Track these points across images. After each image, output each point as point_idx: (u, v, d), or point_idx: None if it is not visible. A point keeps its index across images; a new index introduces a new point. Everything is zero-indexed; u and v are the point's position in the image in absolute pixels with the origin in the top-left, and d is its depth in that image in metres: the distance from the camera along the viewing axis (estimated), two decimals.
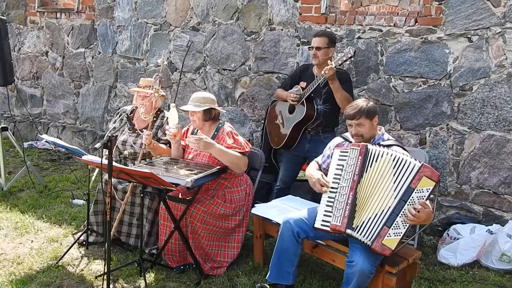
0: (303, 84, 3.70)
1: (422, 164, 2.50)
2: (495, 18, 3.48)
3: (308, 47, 3.96)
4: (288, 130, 3.70)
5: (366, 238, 2.50)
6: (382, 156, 2.57)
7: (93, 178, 3.42)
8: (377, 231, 2.49)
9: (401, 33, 3.86)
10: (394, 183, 2.52)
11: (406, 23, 3.82)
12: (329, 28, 4.15)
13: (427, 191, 2.47)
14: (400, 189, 2.50)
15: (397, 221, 2.48)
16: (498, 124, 3.58)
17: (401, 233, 2.47)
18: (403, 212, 2.48)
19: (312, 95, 3.59)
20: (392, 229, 2.48)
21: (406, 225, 2.47)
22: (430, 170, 2.49)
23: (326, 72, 3.33)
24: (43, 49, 6.19)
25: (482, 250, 3.40)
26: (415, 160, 2.54)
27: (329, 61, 3.40)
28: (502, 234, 3.37)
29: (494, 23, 3.49)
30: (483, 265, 3.41)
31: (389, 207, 2.50)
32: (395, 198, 2.50)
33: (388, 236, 2.47)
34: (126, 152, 3.56)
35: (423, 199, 2.47)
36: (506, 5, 3.43)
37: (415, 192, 2.48)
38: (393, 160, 2.55)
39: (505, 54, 3.49)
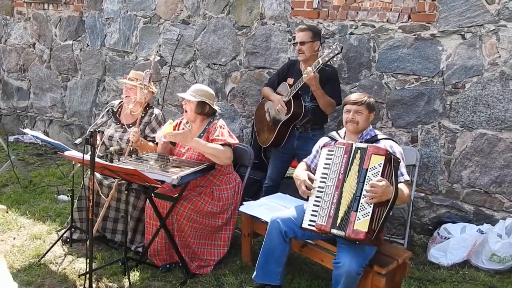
0: (290, 80, 3.62)
1: (368, 145, 2.55)
2: (489, 16, 3.43)
3: (293, 43, 3.89)
4: (276, 128, 3.62)
5: (341, 231, 2.45)
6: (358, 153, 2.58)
7: (72, 173, 3.32)
8: (348, 219, 2.45)
9: (394, 29, 3.80)
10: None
11: (400, 19, 3.76)
12: (321, 23, 4.08)
13: (380, 166, 2.47)
14: (358, 174, 2.51)
15: (361, 203, 2.45)
16: (490, 123, 3.54)
17: (369, 213, 2.41)
18: (364, 194, 2.45)
19: (299, 92, 3.51)
20: (359, 211, 2.44)
21: (371, 205, 2.42)
22: (375, 147, 2.55)
23: (305, 76, 3.24)
24: (30, 40, 6.06)
25: (472, 250, 3.37)
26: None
27: (309, 67, 3.29)
28: (493, 234, 3.34)
29: (488, 20, 3.44)
30: (473, 265, 3.38)
31: (354, 194, 2.49)
32: (356, 184, 2.50)
33: (357, 220, 2.43)
34: (112, 148, 3.48)
35: (378, 175, 2.45)
36: (500, 2, 3.38)
37: (369, 171, 2.48)
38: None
39: (498, 52, 3.44)
